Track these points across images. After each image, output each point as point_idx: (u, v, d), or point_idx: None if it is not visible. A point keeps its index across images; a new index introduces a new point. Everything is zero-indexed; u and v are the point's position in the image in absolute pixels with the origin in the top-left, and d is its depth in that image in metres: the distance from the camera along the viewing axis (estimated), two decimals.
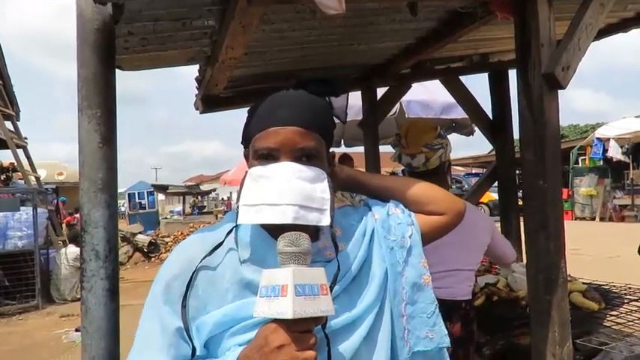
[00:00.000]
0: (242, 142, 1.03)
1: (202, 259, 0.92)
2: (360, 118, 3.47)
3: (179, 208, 21.06)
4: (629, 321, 1.80)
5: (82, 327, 1.33)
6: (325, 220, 0.90)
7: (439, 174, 1.83)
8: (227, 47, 1.67)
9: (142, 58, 1.86)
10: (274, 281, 0.78)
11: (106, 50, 1.32)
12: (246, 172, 0.95)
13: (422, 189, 1.09)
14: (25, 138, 9.56)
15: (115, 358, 1.31)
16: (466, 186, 15.74)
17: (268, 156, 0.91)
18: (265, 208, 0.87)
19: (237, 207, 0.92)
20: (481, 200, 13.62)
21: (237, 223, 0.91)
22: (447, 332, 1.01)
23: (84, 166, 1.31)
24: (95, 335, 1.29)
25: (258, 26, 1.56)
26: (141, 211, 18.92)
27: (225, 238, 0.94)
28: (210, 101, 2.53)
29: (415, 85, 3.87)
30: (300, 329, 0.78)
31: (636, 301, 2.01)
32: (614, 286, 2.24)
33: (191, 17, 1.59)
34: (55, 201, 12.71)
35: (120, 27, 1.51)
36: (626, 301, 2.02)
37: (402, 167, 1.94)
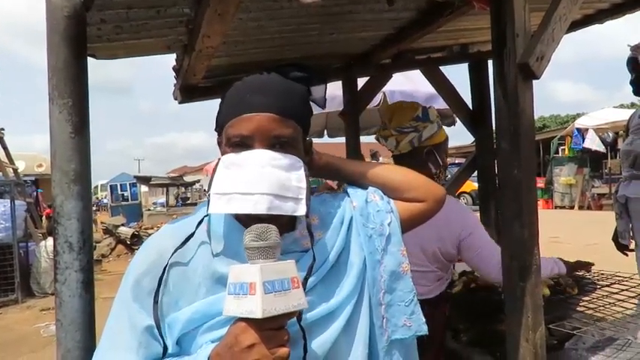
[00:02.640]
0: (215, 129, 0.99)
1: (173, 253, 0.88)
2: (342, 108, 3.47)
3: (162, 199, 20.87)
4: (600, 306, 1.84)
5: (56, 320, 1.31)
6: (301, 210, 0.88)
7: (416, 159, 1.75)
8: (204, 36, 1.65)
9: (117, 46, 1.82)
10: (242, 278, 0.75)
11: (77, 38, 1.29)
12: (219, 159, 0.92)
13: (401, 175, 1.08)
14: (2, 129, 9.31)
15: (90, 351, 1.29)
16: (449, 176, 15.91)
17: (241, 143, 0.88)
18: (237, 197, 0.84)
19: (209, 196, 0.89)
20: (463, 190, 13.83)
21: (208, 212, 0.88)
22: (424, 320, 1.01)
23: (55, 156, 1.28)
24: (69, 328, 1.27)
25: (235, 14, 1.54)
26: (123, 203, 18.70)
27: (196, 229, 0.91)
28: (188, 91, 2.50)
29: (398, 76, 3.87)
30: (272, 326, 0.75)
31: (608, 286, 2.06)
32: (588, 272, 2.29)
33: (165, 5, 1.56)
34: (35, 193, 12.47)
35: (92, 15, 1.47)
36: (598, 286, 2.07)
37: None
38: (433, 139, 1.80)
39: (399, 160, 1.81)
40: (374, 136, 1.96)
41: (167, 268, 0.87)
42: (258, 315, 0.72)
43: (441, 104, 5.01)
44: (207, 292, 0.87)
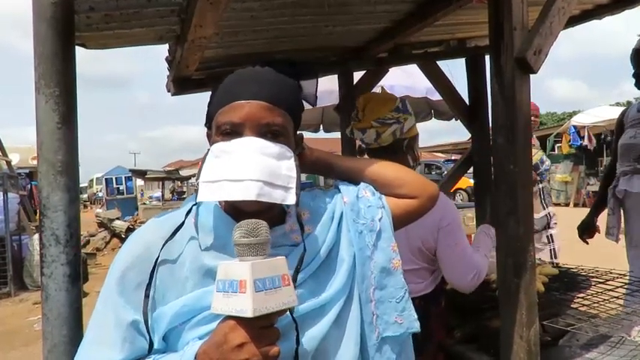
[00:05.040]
0: (205, 124, 0.98)
1: (164, 245, 0.87)
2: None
3: (158, 193, 20.80)
4: (594, 303, 1.84)
5: (42, 314, 1.29)
6: (290, 199, 0.86)
7: (396, 152, 1.69)
8: (196, 26, 1.61)
9: (107, 36, 1.78)
10: (232, 276, 0.74)
11: (64, 25, 1.25)
12: (208, 149, 0.91)
13: (393, 171, 1.07)
14: None
15: (77, 345, 1.26)
16: (446, 172, 15.92)
17: (232, 131, 0.87)
18: (227, 183, 0.82)
19: (197, 185, 0.87)
20: (459, 186, 13.83)
21: (197, 201, 0.86)
22: (416, 317, 1.00)
23: (42, 147, 1.25)
24: (56, 323, 1.25)
25: (227, 4, 1.50)
26: (119, 196, 18.67)
27: (186, 218, 0.90)
28: (181, 83, 2.46)
29: (397, 70, 3.84)
30: (262, 325, 0.74)
31: (602, 283, 2.05)
32: (583, 269, 2.29)
33: None
34: (29, 186, 12.39)
35: (80, 2, 1.44)
36: (592, 283, 2.06)
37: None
38: (411, 131, 1.75)
39: (377, 154, 1.68)
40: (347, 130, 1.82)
41: (157, 261, 0.86)
42: (249, 314, 0.71)
43: (438, 99, 5.01)
44: (194, 285, 0.86)
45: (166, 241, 0.87)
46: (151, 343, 0.84)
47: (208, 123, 0.96)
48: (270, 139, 0.87)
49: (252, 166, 0.83)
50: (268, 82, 0.91)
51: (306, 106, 1.06)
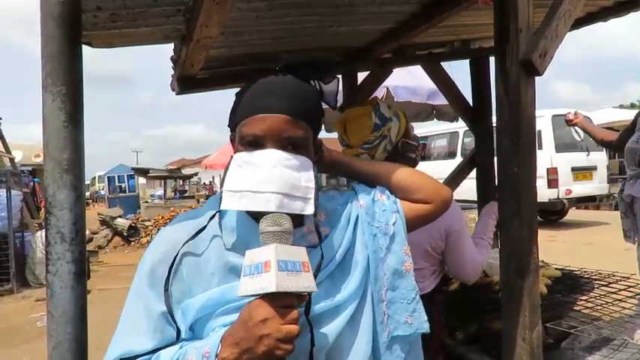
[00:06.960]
0: (229, 125, 1.02)
1: (185, 243, 0.92)
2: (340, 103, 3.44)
3: (160, 192, 20.81)
4: (597, 305, 1.84)
5: (47, 312, 1.29)
6: (309, 209, 0.91)
7: (394, 158, 1.61)
8: (201, 25, 1.62)
9: (113, 35, 1.79)
10: (257, 259, 0.80)
11: (72, 24, 1.26)
12: (232, 156, 0.95)
13: (410, 176, 1.10)
14: None
15: (81, 343, 1.27)
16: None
17: (254, 143, 0.91)
18: (249, 195, 0.87)
19: (221, 192, 0.92)
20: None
21: (221, 208, 0.92)
22: (426, 318, 1.02)
23: (48, 145, 1.25)
24: (61, 320, 1.25)
25: (233, 4, 1.51)
26: (121, 194, 18.70)
27: (208, 222, 0.95)
28: (186, 82, 2.46)
29: (401, 71, 3.84)
30: (283, 304, 0.78)
31: (605, 286, 2.05)
32: (586, 271, 2.29)
33: None
34: (32, 183, 12.42)
35: (87, 1, 1.45)
36: (595, 286, 2.06)
37: None
38: (400, 131, 1.66)
39: None
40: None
41: (177, 258, 0.91)
42: (272, 288, 0.76)
43: (443, 100, 5.01)
44: (219, 281, 0.91)
45: (187, 241, 0.92)
46: (179, 332, 0.89)
47: (232, 126, 1.00)
48: (291, 151, 0.91)
49: (273, 179, 0.87)
50: (290, 94, 0.93)
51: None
